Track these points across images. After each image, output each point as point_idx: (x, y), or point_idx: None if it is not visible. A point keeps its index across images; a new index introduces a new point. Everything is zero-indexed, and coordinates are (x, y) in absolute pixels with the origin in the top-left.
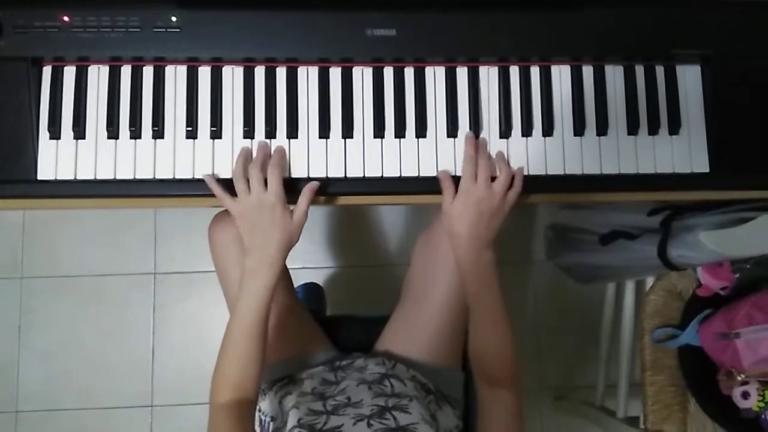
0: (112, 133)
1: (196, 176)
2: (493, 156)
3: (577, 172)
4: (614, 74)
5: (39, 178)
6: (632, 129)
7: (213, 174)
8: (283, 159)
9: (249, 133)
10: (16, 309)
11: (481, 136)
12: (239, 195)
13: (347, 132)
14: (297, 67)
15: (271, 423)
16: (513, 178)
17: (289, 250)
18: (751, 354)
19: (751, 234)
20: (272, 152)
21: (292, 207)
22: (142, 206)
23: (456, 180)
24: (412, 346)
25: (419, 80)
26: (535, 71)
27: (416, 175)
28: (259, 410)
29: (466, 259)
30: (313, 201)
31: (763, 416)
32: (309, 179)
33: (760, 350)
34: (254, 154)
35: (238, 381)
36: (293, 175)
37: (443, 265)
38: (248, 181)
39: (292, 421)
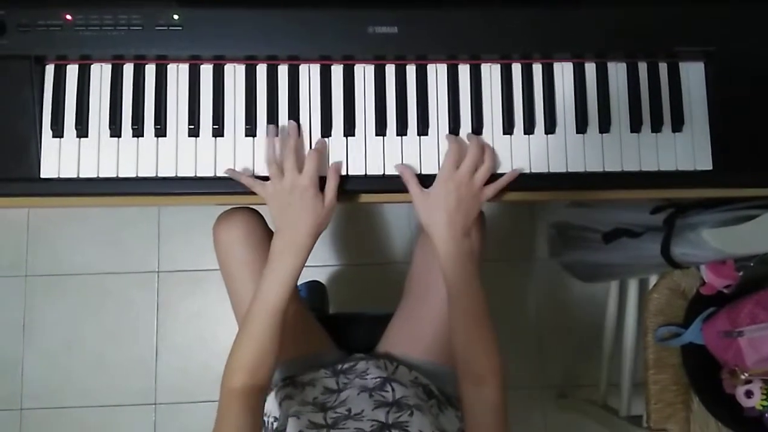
0: (115, 131)
1: (198, 174)
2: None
3: (580, 169)
4: (617, 71)
5: (42, 176)
6: (635, 126)
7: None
8: (324, 148)
9: (251, 131)
10: (21, 307)
11: (484, 133)
12: (272, 178)
13: (349, 130)
14: (298, 64)
15: (274, 423)
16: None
17: (318, 236)
18: (754, 352)
19: (754, 232)
20: (317, 141)
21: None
22: (144, 204)
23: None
24: (414, 345)
25: (421, 78)
26: (537, 68)
27: (418, 172)
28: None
29: (446, 248)
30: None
31: (766, 415)
32: None
33: (764, 349)
34: (290, 140)
35: (253, 366)
36: None
37: None
38: (280, 165)
39: (291, 431)
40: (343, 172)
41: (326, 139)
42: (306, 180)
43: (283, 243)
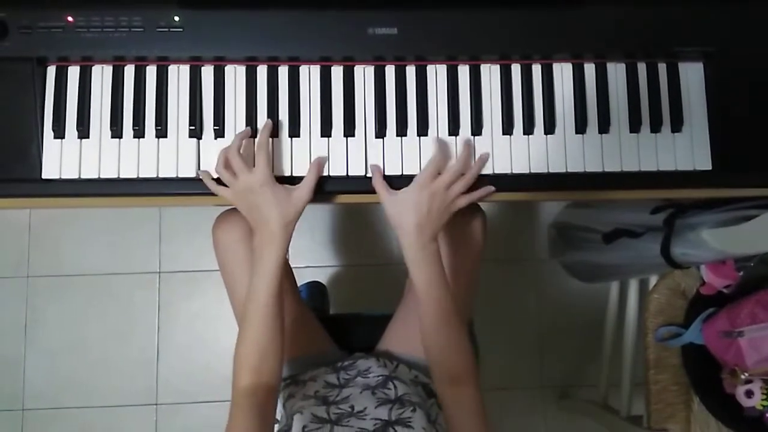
0: (116, 132)
1: (199, 175)
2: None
3: (579, 170)
4: (616, 72)
5: (44, 177)
6: (634, 127)
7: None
8: (268, 137)
9: (251, 132)
10: (23, 308)
11: (483, 134)
12: (227, 182)
13: (349, 130)
14: (299, 66)
15: (276, 424)
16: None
17: (292, 224)
18: (754, 352)
19: (754, 232)
20: (259, 131)
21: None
22: (145, 205)
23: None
24: (414, 344)
25: (421, 79)
26: (536, 69)
27: (418, 173)
28: None
29: (413, 253)
30: (318, 200)
31: (767, 414)
32: None
33: (764, 349)
34: (235, 142)
35: (257, 364)
36: (295, 174)
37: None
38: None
39: (296, 427)
40: (343, 173)
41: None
42: (259, 176)
43: (260, 240)
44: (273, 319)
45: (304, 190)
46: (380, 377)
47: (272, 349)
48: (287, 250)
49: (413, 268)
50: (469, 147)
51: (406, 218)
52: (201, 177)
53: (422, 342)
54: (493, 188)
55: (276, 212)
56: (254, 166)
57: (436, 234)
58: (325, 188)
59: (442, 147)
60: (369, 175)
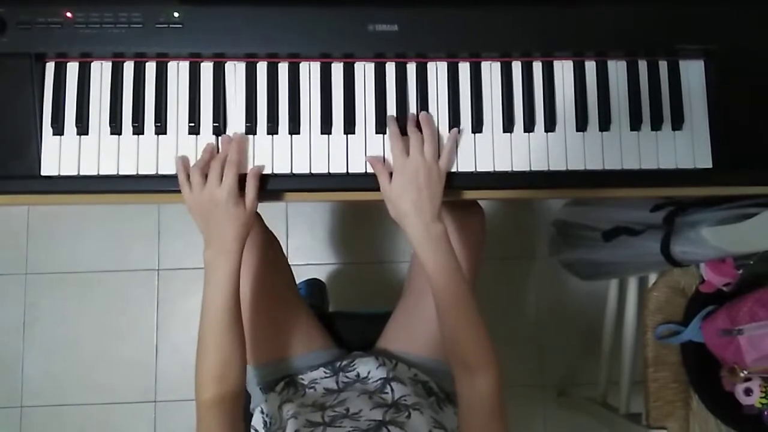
0: (115, 128)
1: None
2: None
3: (580, 167)
4: (617, 69)
5: (43, 173)
6: (635, 124)
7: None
8: (240, 155)
9: (251, 129)
10: (21, 305)
11: (484, 131)
12: (194, 187)
13: (349, 128)
14: (299, 62)
15: (271, 425)
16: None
17: (246, 238)
18: (753, 350)
19: (754, 230)
20: (231, 148)
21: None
22: (145, 202)
23: None
24: (413, 341)
25: (421, 76)
26: (537, 66)
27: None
28: (262, 411)
29: (417, 236)
30: (318, 198)
31: (765, 413)
32: (311, 175)
33: (763, 347)
34: (222, 152)
35: (220, 373)
36: (295, 171)
37: None
38: (206, 175)
39: (290, 431)
40: (343, 171)
41: (250, 136)
42: (224, 193)
43: (213, 253)
44: (232, 328)
45: (250, 203)
46: (379, 381)
47: (234, 357)
48: (240, 262)
49: (421, 253)
50: (414, 114)
51: (402, 204)
52: (177, 167)
53: (439, 331)
54: (456, 130)
55: (233, 227)
56: (222, 180)
57: (436, 212)
58: (325, 186)
59: (392, 125)
60: (370, 171)
